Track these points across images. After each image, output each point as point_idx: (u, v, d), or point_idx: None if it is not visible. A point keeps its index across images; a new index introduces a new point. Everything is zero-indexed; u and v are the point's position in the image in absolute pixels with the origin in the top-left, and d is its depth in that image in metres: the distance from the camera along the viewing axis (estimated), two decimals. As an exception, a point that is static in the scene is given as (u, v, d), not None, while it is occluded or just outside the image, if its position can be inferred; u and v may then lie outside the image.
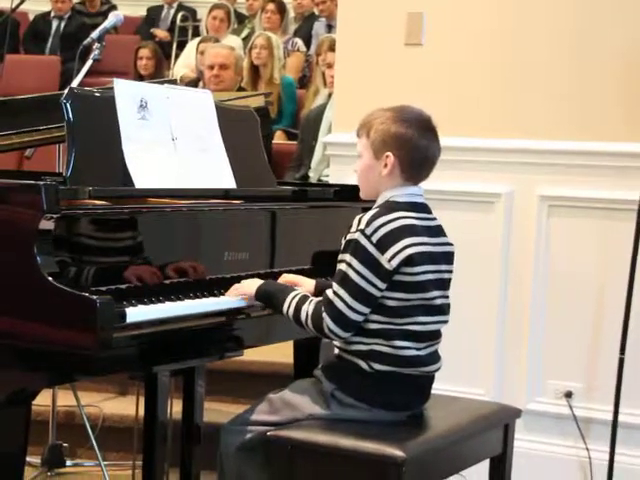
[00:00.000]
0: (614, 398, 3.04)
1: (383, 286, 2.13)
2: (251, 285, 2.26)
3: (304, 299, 2.19)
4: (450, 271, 2.26)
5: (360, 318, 2.14)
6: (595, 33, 3.21)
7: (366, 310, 2.13)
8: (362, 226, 2.13)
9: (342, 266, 2.14)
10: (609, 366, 3.13)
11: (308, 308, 2.17)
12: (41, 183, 1.94)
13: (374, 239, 2.11)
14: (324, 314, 2.13)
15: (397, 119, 2.19)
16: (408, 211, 2.17)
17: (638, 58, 3.14)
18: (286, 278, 2.41)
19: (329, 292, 2.15)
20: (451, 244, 2.27)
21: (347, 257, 2.13)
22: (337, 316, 2.12)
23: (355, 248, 2.12)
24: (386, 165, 2.19)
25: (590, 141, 3.21)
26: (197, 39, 6.89)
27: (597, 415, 3.20)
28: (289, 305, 2.20)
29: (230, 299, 2.25)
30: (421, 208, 2.22)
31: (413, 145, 2.18)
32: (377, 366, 2.16)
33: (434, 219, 2.25)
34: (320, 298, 2.18)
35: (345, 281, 2.12)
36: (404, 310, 2.16)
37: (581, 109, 3.23)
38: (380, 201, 2.21)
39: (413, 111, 2.23)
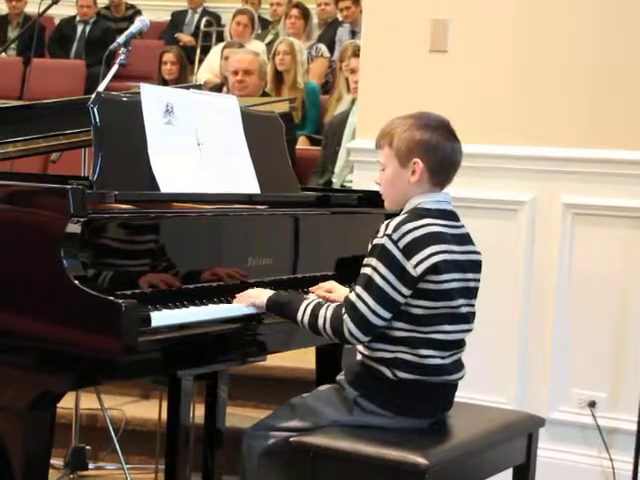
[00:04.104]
0: (638, 408, 3.02)
1: (407, 293, 2.12)
2: (260, 295, 2.23)
3: (320, 305, 2.18)
4: (477, 280, 2.25)
5: (382, 323, 2.13)
6: (619, 39, 3.19)
7: (388, 315, 2.13)
8: (389, 231, 2.12)
9: (367, 270, 2.13)
10: (633, 376, 3.11)
11: (326, 313, 2.15)
12: (68, 187, 1.96)
13: (401, 245, 2.11)
14: (345, 316, 2.12)
15: (420, 125, 2.19)
16: (437, 218, 2.17)
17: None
18: (322, 285, 2.42)
19: (351, 295, 2.14)
20: (478, 253, 2.26)
21: (373, 261, 2.13)
22: (359, 319, 2.11)
23: (381, 253, 2.12)
24: (414, 172, 2.19)
25: (616, 149, 3.19)
26: (221, 44, 6.91)
27: (621, 425, 3.18)
28: (304, 312, 2.18)
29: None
30: (449, 215, 2.22)
31: (439, 149, 2.18)
32: (401, 374, 2.15)
33: (462, 227, 2.25)
34: (337, 303, 2.18)
35: (370, 285, 2.12)
36: (429, 318, 2.15)
37: (606, 117, 3.21)
38: (408, 208, 2.20)
39: (433, 116, 2.23)
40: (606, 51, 3.21)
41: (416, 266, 2.10)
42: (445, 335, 2.17)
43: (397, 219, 2.15)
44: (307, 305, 2.18)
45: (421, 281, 2.12)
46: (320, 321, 2.15)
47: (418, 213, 2.17)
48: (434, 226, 2.15)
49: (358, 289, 2.13)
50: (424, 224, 2.14)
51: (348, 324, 2.12)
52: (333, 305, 2.17)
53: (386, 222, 2.15)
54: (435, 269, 2.11)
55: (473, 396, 2.87)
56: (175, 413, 2.54)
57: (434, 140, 2.18)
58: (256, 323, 2.28)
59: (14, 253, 2.00)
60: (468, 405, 2.41)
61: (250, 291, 2.26)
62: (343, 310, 2.13)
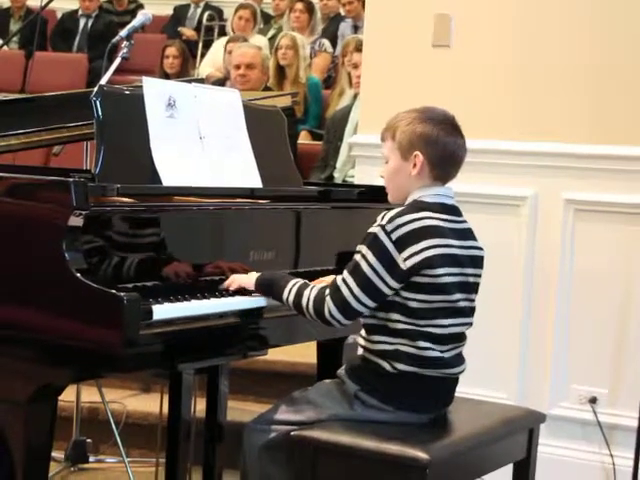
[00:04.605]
0: (639, 404, 3.02)
1: (396, 285, 2.12)
2: (249, 277, 2.26)
3: (305, 285, 2.20)
4: (477, 275, 2.25)
5: (363, 309, 2.14)
6: (619, 36, 3.19)
7: (371, 304, 2.13)
8: (384, 222, 2.13)
9: (356, 256, 2.15)
10: (634, 372, 3.11)
11: (310, 293, 2.17)
12: (70, 180, 1.95)
13: (393, 237, 2.11)
14: (328, 298, 2.13)
15: (422, 119, 2.20)
16: (436, 212, 2.17)
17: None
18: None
19: (338, 279, 2.15)
20: (480, 248, 2.26)
21: (363, 249, 2.13)
22: (341, 303, 2.13)
23: (372, 242, 2.12)
24: (415, 165, 2.19)
25: (617, 145, 3.19)
26: (224, 38, 6.91)
27: (622, 421, 3.18)
28: (290, 291, 2.19)
29: (253, 298, 2.24)
30: (450, 210, 2.21)
31: (440, 143, 2.19)
32: (400, 366, 2.15)
33: (464, 222, 2.24)
34: (323, 285, 2.19)
35: (356, 271, 2.13)
36: (426, 312, 2.15)
37: (608, 113, 3.21)
38: (408, 201, 2.21)
39: (437, 111, 2.24)
40: (607, 47, 3.21)
41: (407, 259, 2.10)
42: (442, 329, 2.16)
43: (394, 210, 2.15)
44: (293, 285, 2.20)
45: (414, 275, 2.11)
46: (304, 300, 2.16)
47: (416, 206, 2.17)
48: (431, 220, 2.15)
49: (345, 273, 2.15)
50: (420, 217, 2.14)
51: (329, 305, 2.13)
52: (318, 286, 2.19)
53: (383, 212, 2.16)
54: (429, 263, 2.11)
55: (474, 391, 2.88)
56: (176, 407, 2.54)
57: (435, 134, 2.18)
58: (257, 317, 2.28)
59: (16, 246, 2.00)
60: (469, 400, 2.41)
61: (235, 276, 2.27)
62: (327, 291, 2.15)
